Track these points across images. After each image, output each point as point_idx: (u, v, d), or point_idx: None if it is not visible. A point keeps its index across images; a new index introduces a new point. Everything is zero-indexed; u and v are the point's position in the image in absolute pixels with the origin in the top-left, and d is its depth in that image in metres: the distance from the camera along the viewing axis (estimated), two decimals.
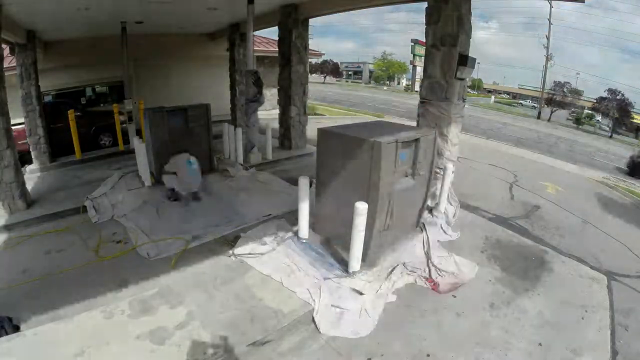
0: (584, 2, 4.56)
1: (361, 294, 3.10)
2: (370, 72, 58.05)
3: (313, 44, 9.68)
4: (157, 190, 5.31)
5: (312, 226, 3.99)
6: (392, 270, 3.46)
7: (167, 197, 5.15)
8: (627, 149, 20.73)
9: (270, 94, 13.62)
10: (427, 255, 3.77)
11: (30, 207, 4.86)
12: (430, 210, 4.62)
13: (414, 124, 4.90)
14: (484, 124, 20.43)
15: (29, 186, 5.21)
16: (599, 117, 32.27)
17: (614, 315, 3.24)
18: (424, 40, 4.56)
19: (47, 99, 8.66)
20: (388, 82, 52.27)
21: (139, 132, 7.52)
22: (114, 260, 3.72)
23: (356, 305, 2.98)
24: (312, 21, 7.56)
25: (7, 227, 4.35)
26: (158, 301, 2.91)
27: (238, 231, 4.25)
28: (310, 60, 9.31)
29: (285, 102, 7.75)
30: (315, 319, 2.85)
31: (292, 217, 4.33)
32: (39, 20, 6.39)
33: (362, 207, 3.08)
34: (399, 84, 52.84)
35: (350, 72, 62.38)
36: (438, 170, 4.58)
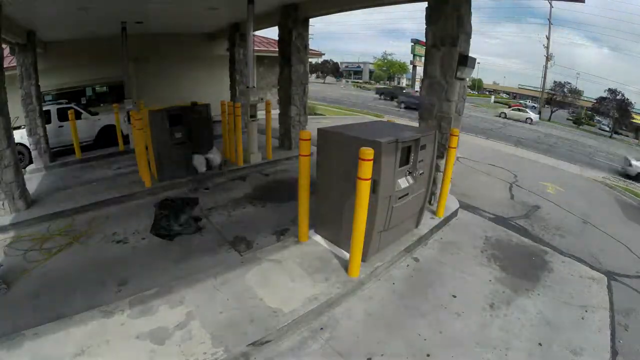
0: (584, 2, 4.55)
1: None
2: (371, 72, 58.11)
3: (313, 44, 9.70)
4: None
5: (312, 226, 3.99)
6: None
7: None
8: (627, 149, 20.77)
9: (270, 94, 13.67)
10: None
11: (30, 207, 4.86)
12: None
13: (415, 124, 4.90)
14: (483, 124, 20.46)
15: (29, 186, 5.20)
16: (598, 118, 32.30)
17: (614, 315, 3.24)
18: (424, 40, 4.56)
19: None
20: (388, 82, 52.31)
21: None
22: (115, 259, 3.72)
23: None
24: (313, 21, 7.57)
25: (7, 227, 4.35)
26: (158, 301, 2.91)
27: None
28: (310, 60, 9.32)
29: (285, 102, 7.75)
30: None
31: (292, 217, 4.34)
32: (39, 21, 6.39)
33: None
34: (399, 83, 52.89)
35: (350, 72, 62.48)
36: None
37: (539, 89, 36.82)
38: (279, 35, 7.55)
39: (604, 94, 30.51)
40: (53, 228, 4.43)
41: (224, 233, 4.31)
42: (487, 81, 58.61)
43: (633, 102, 29.19)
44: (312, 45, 9.07)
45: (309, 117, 8.28)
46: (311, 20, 7.48)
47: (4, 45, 5.14)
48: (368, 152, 2.85)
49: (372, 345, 2.68)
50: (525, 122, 25.26)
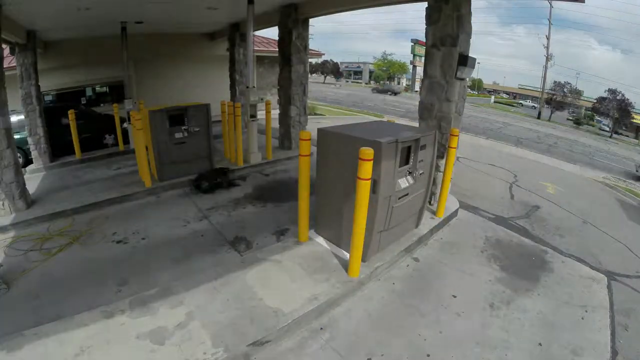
0: (584, 2, 4.55)
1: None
2: (371, 72, 58.12)
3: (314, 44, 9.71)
4: None
5: (312, 226, 3.99)
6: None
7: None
8: (627, 149, 20.76)
9: (270, 94, 13.67)
10: None
11: (30, 207, 4.86)
12: None
13: (415, 124, 4.90)
14: (483, 124, 20.46)
15: (29, 186, 5.20)
16: (599, 118, 32.35)
17: (614, 315, 3.24)
18: (424, 40, 4.56)
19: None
20: (388, 82, 52.33)
21: None
22: (115, 259, 3.72)
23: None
24: (312, 21, 7.56)
25: (7, 227, 4.35)
26: (158, 301, 2.91)
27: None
28: (310, 60, 9.32)
29: (285, 102, 7.75)
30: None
31: (292, 217, 4.33)
32: (39, 20, 6.39)
33: None
34: (399, 84, 52.92)
35: (350, 72, 62.49)
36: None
37: (539, 89, 36.84)
38: (279, 35, 7.55)
39: (604, 94, 30.54)
40: (53, 228, 4.43)
41: (224, 233, 4.32)
42: (487, 81, 58.77)
43: (633, 102, 29.22)
44: (312, 45, 9.07)
45: (309, 117, 8.27)
46: (312, 20, 7.49)
47: (4, 45, 5.14)
48: (368, 152, 2.85)
49: (372, 346, 2.68)
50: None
